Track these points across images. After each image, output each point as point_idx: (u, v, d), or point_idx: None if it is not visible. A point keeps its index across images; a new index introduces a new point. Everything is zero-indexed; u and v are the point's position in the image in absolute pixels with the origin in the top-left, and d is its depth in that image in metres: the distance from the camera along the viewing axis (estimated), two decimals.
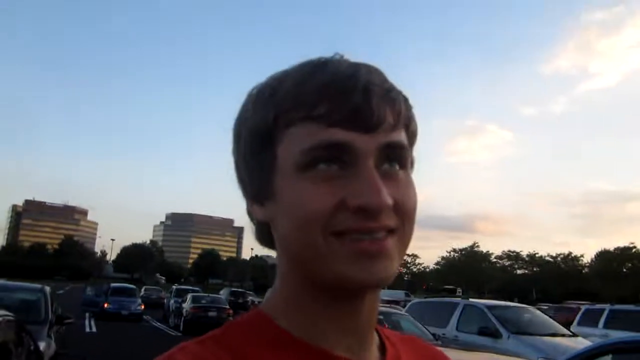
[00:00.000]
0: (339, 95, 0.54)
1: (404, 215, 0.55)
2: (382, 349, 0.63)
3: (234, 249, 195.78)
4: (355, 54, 0.59)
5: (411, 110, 0.60)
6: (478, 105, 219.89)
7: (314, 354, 0.56)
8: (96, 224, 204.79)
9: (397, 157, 0.56)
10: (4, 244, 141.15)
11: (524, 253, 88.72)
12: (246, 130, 0.59)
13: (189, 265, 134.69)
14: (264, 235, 0.62)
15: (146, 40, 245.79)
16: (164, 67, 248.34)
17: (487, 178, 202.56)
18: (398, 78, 0.60)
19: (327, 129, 0.53)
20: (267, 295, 0.62)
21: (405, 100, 0.59)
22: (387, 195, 0.53)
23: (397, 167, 0.56)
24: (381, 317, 9.44)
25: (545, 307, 27.19)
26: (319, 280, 0.55)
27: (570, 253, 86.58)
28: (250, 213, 0.63)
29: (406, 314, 10.16)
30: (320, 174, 0.54)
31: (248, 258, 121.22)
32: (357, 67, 0.56)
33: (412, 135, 0.60)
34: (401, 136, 0.57)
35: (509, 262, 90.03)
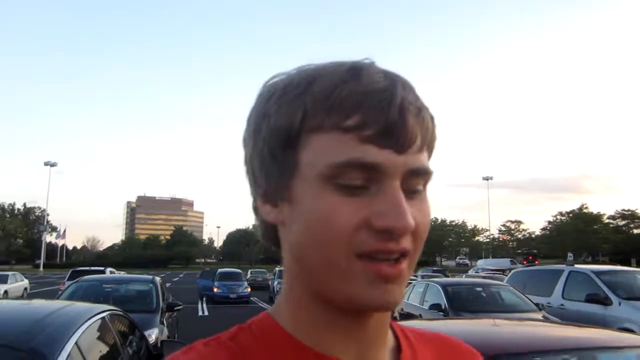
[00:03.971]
0: (374, 108, 0.51)
1: (417, 237, 0.54)
2: (398, 350, 0.62)
3: None
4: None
5: (435, 128, 0.58)
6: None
7: None
8: (202, 213, 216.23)
9: (421, 180, 0.55)
10: (123, 238, 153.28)
11: None
12: (267, 127, 0.55)
13: None
14: (271, 236, 0.61)
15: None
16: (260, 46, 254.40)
17: (591, 133, 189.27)
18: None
19: (360, 144, 0.51)
20: (277, 299, 0.62)
21: (432, 118, 0.57)
22: (411, 218, 0.51)
23: (419, 189, 0.55)
24: (479, 288, 9.26)
25: None
26: (329, 296, 0.54)
27: None
28: (257, 211, 0.60)
29: (506, 284, 9.87)
30: (345, 189, 0.52)
31: None
32: (393, 80, 0.54)
33: (431, 153, 0.58)
34: (426, 159, 0.55)
35: (623, 222, 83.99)
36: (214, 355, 0.55)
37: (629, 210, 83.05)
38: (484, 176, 72.67)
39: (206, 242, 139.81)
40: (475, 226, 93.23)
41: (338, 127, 0.51)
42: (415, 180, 0.54)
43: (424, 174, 0.54)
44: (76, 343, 2.40)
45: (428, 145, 0.56)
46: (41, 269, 59.63)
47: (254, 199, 0.60)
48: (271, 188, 0.56)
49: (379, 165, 0.51)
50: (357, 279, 0.52)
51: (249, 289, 24.23)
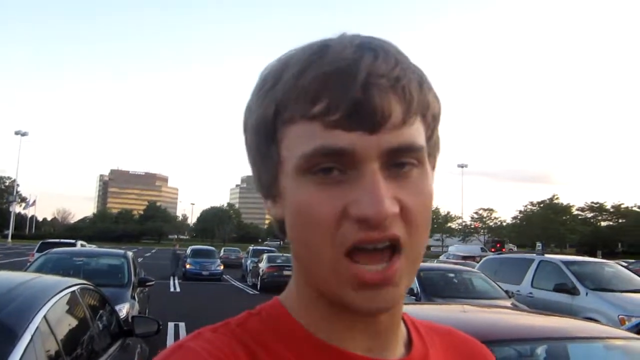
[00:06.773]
0: (337, 88, 0.48)
1: (410, 223, 0.50)
2: (409, 344, 0.60)
3: None
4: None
5: (428, 92, 0.52)
6: None
7: (330, 353, 0.54)
8: (176, 189, 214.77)
9: (409, 157, 0.50)
10: (95, 211, 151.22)
11: (609, 204, 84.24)
12: (251, 123, 0.54)
13: (265, 226, 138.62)
14: (283, 230, 0.58)
15: None
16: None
17: (566, 126, 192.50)
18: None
19: (327, 130, 0.48)
20: (288, 286, 0.60)
21: (420, 83, 0.51)
22: (390, 204, 0.48)
23: (407, 167, 0.50)
24: (452, 274, 9.38)
25: (632, 261, 25.94)
26: (325, 295, 0.53)
27: None
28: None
29: (478, 271, 10.01)
30: (321, 180, 0.49)
31: None
32: (361, 51, 0.50)
33: (433, 119, 0.53)
34: (411, 133, 0.50)
35: (591, 214, 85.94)
36: (222, 342, 0.53)
37: (597, 203, 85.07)
38: (459, 163, 73.48)
39: (180, 218, 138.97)
40: (448, 212, 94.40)
41: (306, 116, 0.49)
42: (402, 158, 0.50)
43: (407, 152, 0.50)
44: (45, 317, 2.34)
45: (422, 113, 0.51)
46: (9, 239, 58.63)
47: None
48: (266, 184, 0.56)
49: (348, 150, 0.48)
50: (344, 280, 0.49)
51: (222, 267, 24.18)
